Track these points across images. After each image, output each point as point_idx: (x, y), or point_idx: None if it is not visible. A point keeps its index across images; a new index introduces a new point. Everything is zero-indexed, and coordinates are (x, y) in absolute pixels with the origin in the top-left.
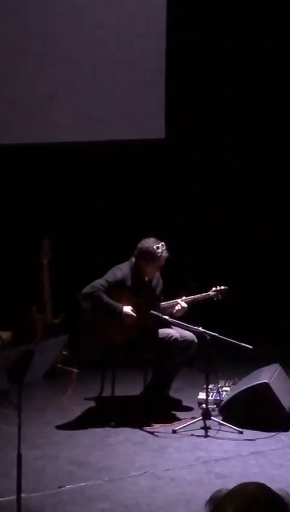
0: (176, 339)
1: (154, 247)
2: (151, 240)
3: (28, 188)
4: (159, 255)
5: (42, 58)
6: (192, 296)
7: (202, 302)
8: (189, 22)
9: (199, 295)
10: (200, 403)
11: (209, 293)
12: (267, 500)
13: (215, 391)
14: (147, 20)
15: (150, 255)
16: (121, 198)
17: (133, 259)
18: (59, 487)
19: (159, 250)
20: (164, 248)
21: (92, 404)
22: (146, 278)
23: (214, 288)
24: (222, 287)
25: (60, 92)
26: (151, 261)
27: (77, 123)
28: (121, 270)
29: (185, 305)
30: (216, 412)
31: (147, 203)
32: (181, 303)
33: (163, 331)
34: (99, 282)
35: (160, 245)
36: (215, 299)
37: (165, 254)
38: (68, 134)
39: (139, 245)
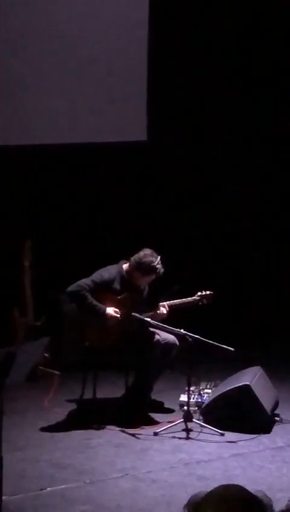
0: (157, 341)
1: (156, 263)
2: (150, 253)
3: (8, 190)
4: (157, 270)
5: (22, 59)
6: (177, 301)
7: (186, 307)
8: (171, 22)
9: (184, 300)
10: (181, 405)
11: (194, 297)
12: (245, 503)
13: (196, 393)
14: (129, 21)
15: (149, 270)
16: (103, 200)
17: (124, 265)
18: (40, 489)
19: (158, 266)
20: (160, 263)
21: (73, 406)
22: (135, 284)
23: (199, 293)
24: (207, 292)
25: (41, 93)
26: (147, 275)
27: (58, 125)
28: (109, 272)
29: (165, 312)
30: (198, 414)
31: (129, 206)
32: (163, 309)
33: (145, 334)
34: (84, 282)
35: (158, 260)
36: (200, 303)
37: (162, 270)
38: (49, 136)
39: (138, 258)
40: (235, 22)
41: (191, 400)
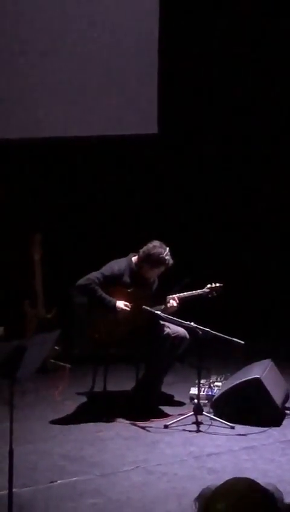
0: (168, 334)
1: (164, 255)
2: (159, 245)
3: (19, 183)
4: (166, 262)
5: (33, 52)
6: (186, 293)
7: (195, 299)
8: (182, 17)
9: (194, 292)
10: (192, 398)
11: (204, 290)
12: (256, 496)
13: (207, 386)
14: (140, 15)
15: (158, 262)
16: (113, 193)
17: (133, 257)
18: (51, 482)
19: (167, 257)
20: (169, 255)
21: (84, 399)
22: (144, 276)
23: (209, 285)
24: (217, 284)
25: (52, 87)
26: (156, 267)
27: (69, 118)
28: (118, 265)
29: (175, 305)
30: (208, 407)
31: (140, 198)
32: (173, 302)
33: (155, 327)
34: (94, 275)
35: (167, 251)
36: (209, 296)
37: (171, 261)
38: (60, 129)
39: (147, 250)
40: (248, 12)
41: (202, 393)
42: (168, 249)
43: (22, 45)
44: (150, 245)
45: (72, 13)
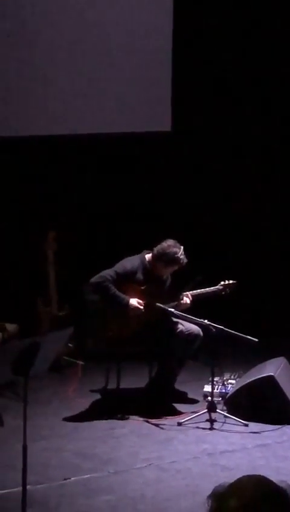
0: (181, 332)
1: (179, 254)
2: (173, 244)
3: (33, 180)
4: (181, 261)
5: (48, 50)
6: (200, 290)
7: (209, 296)
8: (196, 14)
9: (207, 289)
10: (205, 395)
11: (217, 287)
12: (269, 493)
13: (220, 384)
14: (154, 12)
15: (172, 261)
16: (127, 190)
17: (147, 255)
18: (64, 479)
19: (182, 257)
20: (184, 254)
21: (97, 396)
22: (158, 274)
23: (222, 283)
24: (231, 282)
25: (66, 84)
26: (171, 265)
27: (83, 116)
28: (131, 263)
29: (189, 303)
30: (221, 405)
31: (153, 196)
32: (186, 300)
33: (169, 324)
34: (108, 273)
35: (181, 251)
36: (223, 293)
37: (185, 260)
38: (74, 126)
39: (161, 248)
40: (266, 8)
41: (215, 391)
42: (182, 248)
43: (36, 43)
44: (164, 244)
45: (88, 11)
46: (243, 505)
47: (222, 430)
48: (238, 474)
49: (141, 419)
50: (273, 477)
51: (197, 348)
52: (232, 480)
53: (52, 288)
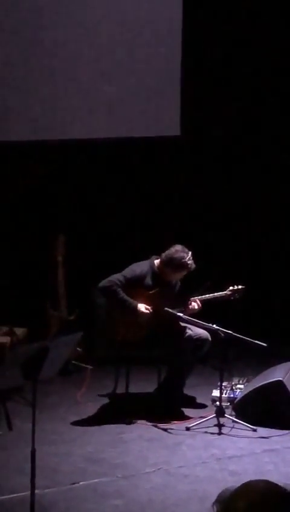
0: (190, 336)
1: (187, 259)
2: (181, 249)
3: (42, 184)
4: (189, 266)
5: (57, 54)
6: (209, 295)
7: (217, 301)
8: (205, 18)
9: (216, 294)
10: (214, 400)
11: (226, 292)
12: (275, 496)
13: (229, 389)
14: (163, 16)
15: (180, 266)
16: (136, 195)
17: (155, 260)
18: (72, 483)
19: (190, 262)
20: (192, 259)
21: (106, 401)
22: (166, 279)
23: (231, 288)
24: (239, 287)
25: (75, 88)
26: (179, 271)
27: (92, 120)
28: (140, 268)
29: (197, 307)
30: (230, 410)
31: (162, 200)
32: (195, 304)
33: (177, 328)
34: (116, 277)
35: (189, 256)
36: (232, 298)
37: (193, 266)
38: (84, 131)
39: (169, 254)
40: (276, 9)
41: (224, 395)
42: (190, 253)
43: (47, 47)
44: (172, 249)
45: (97, 16)
46: (248, 508)
47: (230, 435)
48: (246, 479)
49: (150, 423)
50: (282, 483)
51: (206, 352)
52: (239, 485)
53: (61, 292)
